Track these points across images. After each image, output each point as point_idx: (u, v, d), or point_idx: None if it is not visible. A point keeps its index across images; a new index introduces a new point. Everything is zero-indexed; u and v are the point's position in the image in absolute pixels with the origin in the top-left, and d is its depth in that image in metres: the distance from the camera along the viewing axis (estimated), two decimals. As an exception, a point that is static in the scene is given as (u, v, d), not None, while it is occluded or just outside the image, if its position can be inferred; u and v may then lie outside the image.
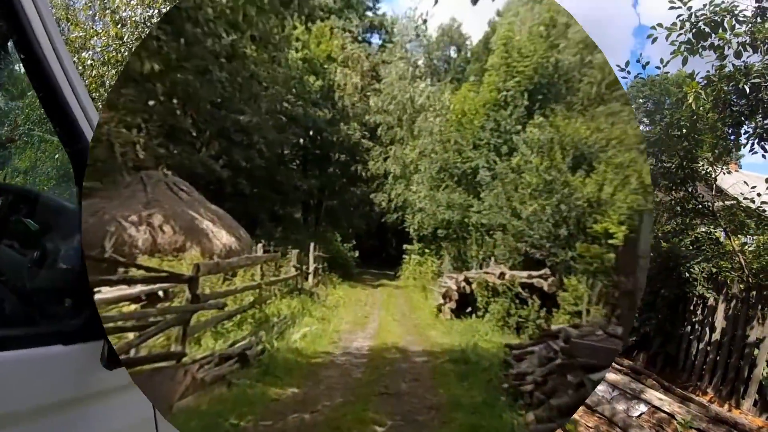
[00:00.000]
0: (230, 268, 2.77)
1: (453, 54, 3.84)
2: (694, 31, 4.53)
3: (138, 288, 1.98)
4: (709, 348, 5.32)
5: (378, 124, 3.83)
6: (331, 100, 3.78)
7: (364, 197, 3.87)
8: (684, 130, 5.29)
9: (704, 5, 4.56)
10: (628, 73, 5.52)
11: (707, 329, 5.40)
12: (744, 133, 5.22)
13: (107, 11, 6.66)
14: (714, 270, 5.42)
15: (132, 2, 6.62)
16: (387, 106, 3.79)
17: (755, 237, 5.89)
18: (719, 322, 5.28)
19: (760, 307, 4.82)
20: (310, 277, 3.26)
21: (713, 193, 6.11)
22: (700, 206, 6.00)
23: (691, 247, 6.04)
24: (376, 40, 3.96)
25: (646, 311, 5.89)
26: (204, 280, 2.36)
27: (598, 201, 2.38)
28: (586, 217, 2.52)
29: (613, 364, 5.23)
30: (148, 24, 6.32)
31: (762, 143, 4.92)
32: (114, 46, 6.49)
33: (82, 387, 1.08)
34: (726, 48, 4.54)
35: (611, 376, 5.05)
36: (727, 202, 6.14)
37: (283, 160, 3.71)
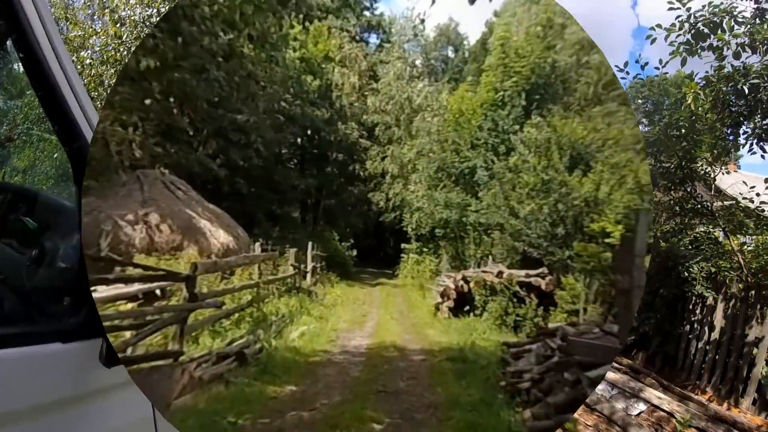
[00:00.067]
0: (228, 266, 2.77)
1: (450, 54, 3.86)
2: (693, 32, 4.55)
3: (135, 286, 1.98)
4: (708, 347, 5.33)
5: (376, 123, 3.83)
6: (328, 99, 3.78)
7: (361, 196, 3.87)
8: (683, 131, 5.30)
9: (703, 6, 4.59)
10: (627, 73, 5.55)
11: (706, 328, 5.40)
12: (743, 134, 5.25)
13: (106, 10, 6.63)
14: (713, 269, 5.43)
15: (131, 1, 6.59)
16: (385, 106, 3.80)
17: (754, 237, 5.92)
18: (718, 321, 5.29)
19: (759, 306, 4.85)
20: (308, 275, 3.25)
21: (712, 193, 6.13)
22: (699, 206, 6.02)
23: (690, 247, 6.06)
24: (373, 39, 3.96)
25: (645, 311, 5.90)
26: (202, 278, 2.36)
27: (595, 200, 2.40)
28: (583, 216, 2.54)
29: (613, 363, 5.24)
30: (147, 23, 6.30)
31: (761, 143, 4.94)
32: (113, 45, 6.46)
33: (81, 385, 1.08)
34: (725, 49, 4.56)
35: (610, 374, 5.06)
36: (726, 202, 6.17)
37: (281, 160, 3.71)
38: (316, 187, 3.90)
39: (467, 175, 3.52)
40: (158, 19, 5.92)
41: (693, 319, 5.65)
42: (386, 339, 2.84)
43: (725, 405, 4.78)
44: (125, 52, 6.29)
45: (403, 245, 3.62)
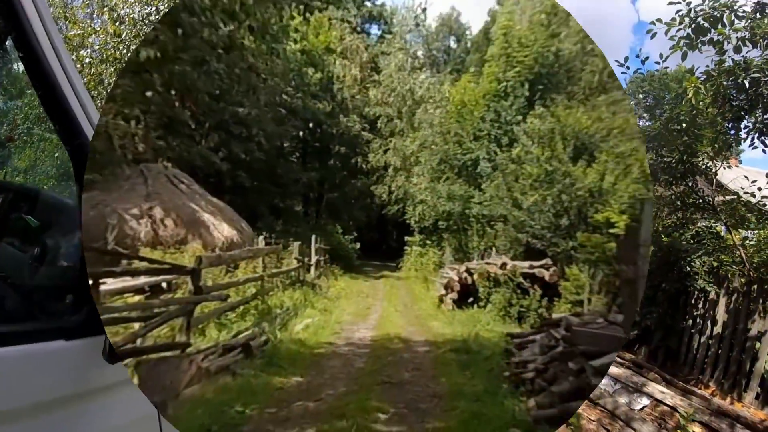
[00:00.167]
0: (232, 260, 2.78)
1: (453, 44, 3.81)
2: (693, 26, 4.52)
3: (142, 279, 1.99)
4: (710, 341, 5.33)
5: (378, 116, 3.81)
6: (330, 92, 3.76)
7: (364, 189, 3.87)
8: (684, 125, 5.29)
9: (703, 0, 4.55)
10: (628, 68, 5.53)
11: (708, 323, 5.40)
12: (744, 128, 5.25)
13: (105, 9, 6.59)
14: (715, 264, 5.44)
15: (130, 0, 6.55)
16: (386, 98, 3.77)
17: (756, 231, 5.91)
18: (720, 315, 5.29)
19: (761, 300, 4.84)
20: (312, 269, 3.27)
21: (713, 187, 6.11)
22: (701, 201, 6.02)
23: (691, 241, 6.05)
24: (375, 30, 3.92)
25: (648, 305, 5.89)
26: (206, 272, 2.37)
27: (600, 191, 2.38)
28: (587, 206, 2.53)
29: (615, 357, 5.26)
30: (147, 21, 6.26)
31: (762, 138, 4.93)
32: (112, 43, 6.44)
33: (85, 382, 1.09)
34: (725, 43, 4.56)
35: (613, 369, 5.07)
36: (727, 197, 6.15)
37: (283, 153, 3.70)
38: (319, 180, 3.89)
39: (470, 166, 3.51)
40: (160, 15, 5.89)
41: (695, 313, 5.65)
42: (390, 331, 2.86)
43: (728, 399, 4.80)
44: (125, 51, 6.27)
45: (406, 238, 3.62)
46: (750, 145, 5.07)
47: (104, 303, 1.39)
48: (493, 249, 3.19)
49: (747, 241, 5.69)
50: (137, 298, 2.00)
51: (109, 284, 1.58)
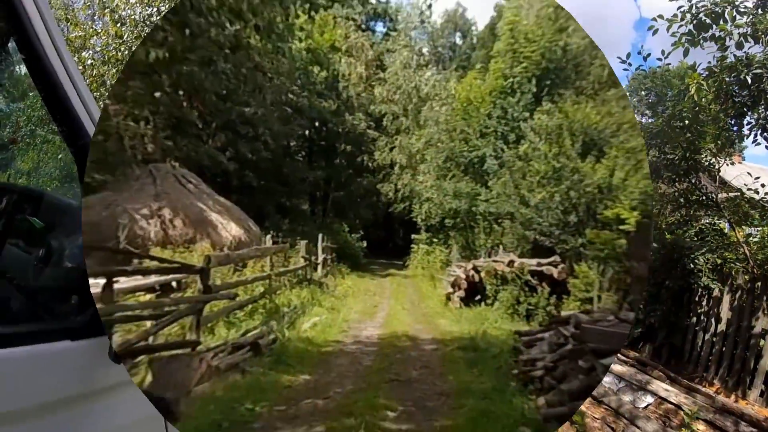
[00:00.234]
0: (240, 259, 2.80)
1: (458, 41, 3.78)
2: (695, 22, 4.50)
3: (152, 278, 2.02)
4: (714, 339, 5.33)
5: (383, 114, 3.80)
6: (335, 90, 3.76)
7: (370, 188, 3.86)
8: (686, 122, 5.27)
9: (705, -4, 4.49)
10: (629, 65, 5.50)
11: (712, 320, 5.40)
12: (746, 124, 5.24)
13: (106, 10, 6.61)
14: (719, 261, 5.41)
15: (131, 1, 6.58)
16: (392, 96, 3.76)
17: (759, 228, 5.87)
18: (724, 313, 5.28)
19: (765, 297, 4.80)
20: (319, 267, 3.28)
21: (717, 184, 6.07)
22: (704, 198, 5.98)
23: (695, 239, 6.03)
24: (380, 28, 3.90)
25: (651, 303, 5.89)
26: (215, 271, 2.40)
27: (609, 187, 2.35)
28: (596, 203, 2.50)
29: (619, 355, 5.27)
30: (148, 22, 6.28)
31: (765, 134, 4.89)
32: (114, 45, 6.47)
33: (90, 382, 1.10)
34: (727, 39, 4.55)
35: (617, 367, 5.07)
36: (730, 194, 6.10)
37: (289, 152, 3.71)
38: (325, 179, 3.90)
39: (476, 164, 3.49)
40: (167, 11, 5.90)
41: (699, 311, 5.65)
42: (398, 329, 2.86)
43: (732, 397, 4.78)
44: (126, 52, 6.30)
45: (412, 236, 3.62)
46: (753, 142, 5.09)
47: (117, 301, 1.41)
48: (501, 247, 3.17)
49: (751, 238, 5.69)
50: (148, 296, 2.03)
51: (122, 282, 1.60)
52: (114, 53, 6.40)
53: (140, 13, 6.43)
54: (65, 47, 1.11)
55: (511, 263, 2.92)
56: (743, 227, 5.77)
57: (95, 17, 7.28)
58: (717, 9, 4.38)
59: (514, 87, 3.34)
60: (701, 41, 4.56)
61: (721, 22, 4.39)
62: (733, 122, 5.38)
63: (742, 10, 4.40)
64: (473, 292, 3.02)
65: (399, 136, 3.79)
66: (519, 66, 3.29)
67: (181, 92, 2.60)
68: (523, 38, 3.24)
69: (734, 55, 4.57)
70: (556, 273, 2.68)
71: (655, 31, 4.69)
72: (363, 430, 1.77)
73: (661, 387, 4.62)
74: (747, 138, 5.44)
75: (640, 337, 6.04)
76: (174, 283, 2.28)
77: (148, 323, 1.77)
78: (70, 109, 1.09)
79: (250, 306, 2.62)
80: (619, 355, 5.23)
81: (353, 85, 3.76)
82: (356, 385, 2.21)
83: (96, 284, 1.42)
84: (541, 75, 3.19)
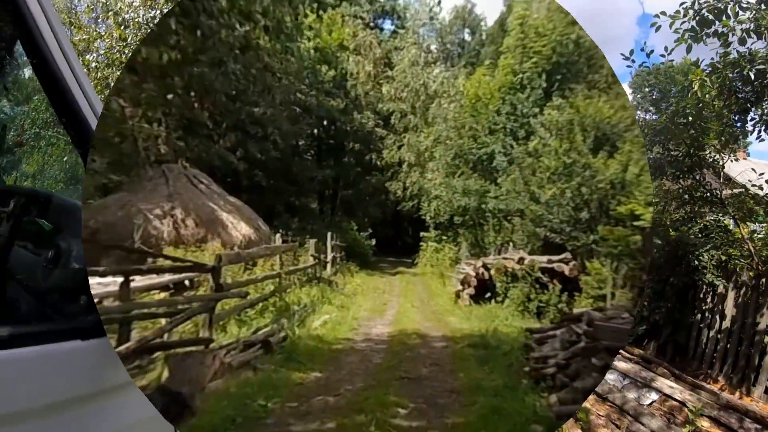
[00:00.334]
0: (250, 258, 2.83)
1: (467, 37, 3.76)
2: (697, 18, 4.44)
3: (166, 277, 2.06)
4: (719, 336, 5.27)
5: (391, 112, 3.80)
6: (343, 89, 3.76)
7: (379, 186, 3.87)
8: (690, 118, 5.24)
9: (707, -8, 4.42)
10: (633, 62, 5.40)
11: (717, 317, 5.34)
12: (750, 120, 5.17)
13: (110, 13, 6.69)
14: (723, 258, 5.36)
15: (134, 3, 6.64)
16: (400, 94, 3.75)
17: (764, 224, 5.78)
18: (729, 309, 5.21)
19: (769, 294, 4.72)
20: (329, 266, 3.30)
21: (721, 180, 5.99)
22: (708, 194, 5.92)
23: (699, 235, 5.98)
24: (388, 26, 3.89)
25: (656, 300, 5.87)
26: (226, 269, 2.42)
27: (623, 182, 2.31)
28: (608, 199, 2.46)
29: (623, 353, 5.24)
30: (151, 25, 6.33)
31: None
32: (118, 47, 6.53)
33: (100, 380, 1.12)
34: (730, 35, 4.49)
35: (622, 365, 5.05)
36: (735, 190, 6.01)
37: (298, 151, 3.73)
38: (334, 177, 3.91)
39: (485, 161, 3.46)
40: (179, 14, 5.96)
41: (704, 307, 5.58)
42: (407, 327, 2.86)
43: (737, 394, 4.71)
44: (130, 54, 6.35)
45: (421, 234, 3.61)
46: (757, 138, 5.05)
47: (134, 299, 1.44)
48: (510, 244, 3.15)
49: (755, 235, 5.60)
50: (162, 294, 2.07)
51: (138, 281, 1.63)
52: (118, 56, 6.46)
53: (143, 15, 6.48)
54: (72, 51, 1.13)
55: (521, 260, 2.90)
56: (748, 224, 5.67)
57: (99, 20, 7.39)
58: (719, 5, 4.34)
59: (524, 83, 3.30)
60: (704, 37, 4.51)
61: (724, 18, 4.33)
62: (736, 118, 5.35)
63: (745, 5, 4.35)
64: (483, 290, 3.00)
65: (407, 133, 3.78)
66: (529, 61, 3.25)
67: (192, 94, 2.63)
68: (534, 33, 3.20)
69: (737, 51, 4.54)
70: (568, 270, 2.65)
71: (658, 28, 4.67)
72: (374, 427, 1.77)
73: (666, 384, 4.57)
74: (751, 134, 5.43)
75: (645, 334, 5.99)
76: (187, 282, 2.32)
77: (163, 321, 1.80)
78: (77, 112, 1.11)
79: (260, 304, 2.64)
80: (623, 352, 5.21)
81: (361, 83, 3.76)
82: (367, 382, 2.21)
83: (113, 282, 1.46)
84: (552, 70, 3.15)
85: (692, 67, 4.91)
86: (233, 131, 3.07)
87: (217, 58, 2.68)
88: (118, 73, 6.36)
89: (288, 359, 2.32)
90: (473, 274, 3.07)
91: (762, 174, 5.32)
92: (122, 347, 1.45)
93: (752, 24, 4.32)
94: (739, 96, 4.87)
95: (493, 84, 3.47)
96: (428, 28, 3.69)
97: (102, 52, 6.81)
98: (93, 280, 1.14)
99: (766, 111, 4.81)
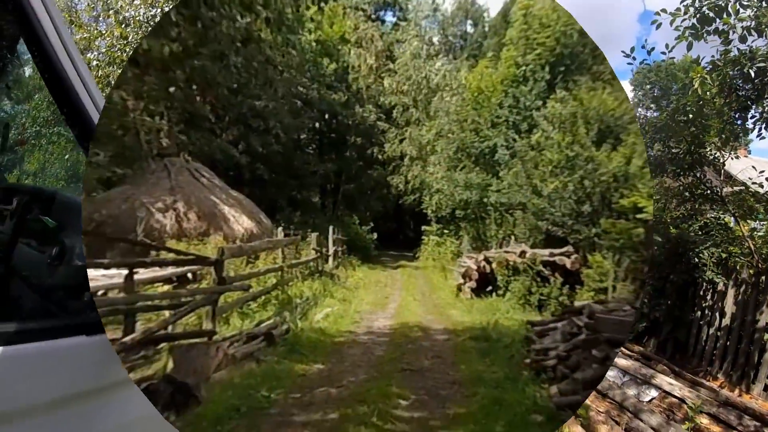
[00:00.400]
0: (253, 251, 2.84)
1: (470, 29, 3.72)
2: (698, 16, 4.42)
3: (169, 270, 2.07)
4: (719, 333, 5.30)
5: (393, 105, 3.78)
6: (345, 82, 3.74)
7: (380, 180, 3.86)
8: (690, 116, 5.24)
9: (708, -10, 4.38)
10: (634, 59, 5.39)
11: (717, 314, 5.36)
12: (751, 118, 5.17)
13: (111, 12, 6.65)
14: (723, 255, 5.38)
15: (135, 2, 6.60)
16: (402, 87, 3.73)
17: (764, 222, 5.79)
18: (729, 307, 5.23)
19: (769, 292, 4.72)
20: (330, 259, 3.31)
21: (722, 178, 5.98)
22: (709, 192, 5.93)
23: (700, 233, 5.99)
24: (390, 17, 3.86)
25: (656, 297, 5.90)
26: (228, 263, 2.44)
27: (626, 175, 2.30)
28: (611, 192, 2.45)
29: (624, 350, 5.28)
30: (152, 23, 6.30)
31: None
32: (119, 46, 6.51)
33: (106, 375, 1.14)
34: (731, 33, 4.49)
35: (622, 361, 5.09)
36: (735, 188, 6.00)
37: (300, 145, 3.72)
38: (335, 171, 3.91)
39: (487, 154, 3.45)
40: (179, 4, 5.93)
41: (704, 305, 5.60)
42: (409, 320, 2.87)
43: (736, 391, 4.75)
44: (131, 53, 6.32)
45: (423, 227, 3.62)
46: (758, 136, 5.03)
47: (138, 291, 1.46)
48: (512, 237, 3.15)
49: (755, 232, 5.60)
50: (166, 287, 2.09)
51: (141, 274, 1.65)
52: (119, 54, 6.44)
53: (144, 13, 6.45)
54: (75, 48, 1.13)
55: (522, 254, 2.90)
56: (748, 221, 5.69)
57: (99, 19, 7.34)
58: (720, 2, 4.33)
59: (527, 75, 3.28)
60: (705, 35, 4.51)
61: (725, 16, 4.32)
62: (737, 116, 5.34)
63: (746, 3, 4.34)
64: (484, 283, 3.01)
65: (409, 127, 3.76)
66: (532, 53, 3.21)
67: (194, 87, 2.63)
68: (538, 23, 3.16)
69: (738, 49, 4.55)
70: (569, 263, 2.65)
71: (659, 25, 4.67)
72: (376, 417, 1.80)
73: (665, 381, 4.61)
74: (751, 132, 5.44)
75: (645, 331, 6.03)
76: (190, 275, 2.34)
77: (167, 313, 1.82)
78: (81, 109, 1.11)
79: (263, 297, 2.66)
80: (623, 349, 5.25)
81: (363, 76, 3.74)
82: (369, 374, 2.23)
83: (118, 275, 1.47)
84: (555, 61, 3.11)
85: (693, 64, 4.91)
86: (235, 125, 3.07)
87: (218, 50, 2.67)
88: (120, 71, 6.35)
89: (291, 351, 2.34)
90: (475, 267, 3.07)
91: (762, 171, 5.34)
92: (128, 338, 1.47)
93: (753, 22, 4.33)
94: (740, 94, 4.88)
95: (496, 76, 3.44)
96: (430, 19, 3.66)
97: (103, 50, 6.78)
98: (98, 272, 1.15)
99: (766, 109, 4.82)
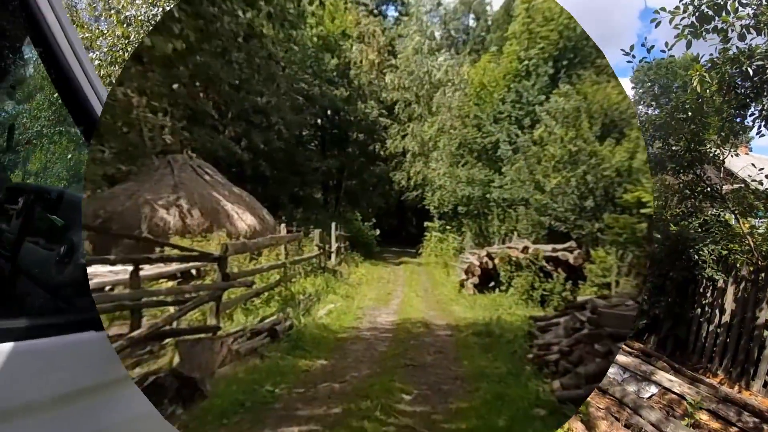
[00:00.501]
0: (256, 247, 2.86)
1: (472, 23, 3.69)
2: (697, 14, 4.41)
3: (174, 266, 2.09)
4: (718, 330, 5.32)
5: (395, 101, 3.76)
6: (347, 77, 3.73)
7: (383, 176, 3.86)
8: (690, 113, 5.25)
9: (707, -12, 4.36)
10: (633, 57, 5.36)
11: (717, 311, 5.39)
12: (750, 116, 5.19)
13: (112, 11, 6.64)
14: (723, 252, 5.41)
15: (136, 1, 6.58)
16: (404, 83, 3.71)
17: (764, 219, 5.78)
18: (729, 304, 5.25)
19: (768, 289, 4.72)
20: (333, 256, 3.32)
21: (722, 175, 5.97)
22: (709, 189, 5.92)
23: (699, 230, 6.02)
24: (392, 12, 3.83)
25: (656, 294, 5.92)
26: (231, 259, 2.45)
27: (629, 169, 2.29)
28: (614, 187, 2.44)
29: (624, 347, 5.30)
30: (153, 22, 6.29)
31: None
32: (120, 45, 6.50)
33: (113, 370, 1.15)
34: (730, 31, 4.50)
35: (622, 358, 5.10)
36: (735, 185, 6.00)
37: (302, 142, 3.72)
38: (338, 168, 3.90)
39: (490, 150, 3.44)
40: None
41: (704, 302, 5.63)
42: (412, 316, 2.88)
43: (736, 387, 4.78)
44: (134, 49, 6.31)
45: (425, 223, 3.62)
46: (757, 133, 5.08)
47: (143, 287, 1.47)
48: (515, 233, 3.15)
49: (755, 230, 5.64)
50: (170, 283, 2.11)
51: (146, 270, 1.66)
52: (121, 54, 6.44)
53: (145, 12, 6.43)
54: (81, 46, 1.14)
55: (525, 249, 2.90)
56: (748, 218, 5.72)
57: (101, 18, 7.34)
58: (719, 1, 4.33)
59: (530, 69, 3.25)
60: (704, 33, 4.51)
61: (724, 14, 4.33)
62: (736, 113, 5.34)
63: (745, 1, 4.33)
64: (487, 279, 3.01)
65: (411, 123, 3.75)
66: (536, 47, 3.19)
67: (197, 83, 2.63)
68: (541, 17, 3.12)
69: (737, 47, 4.56)
70: (572, 258, 2.65)
71: (658, 24, 4.66)
72: (379, 412, 1.81)
73: (665, 377, 4.62)
74: (750, 130, 5.44)
75: (645, 328, 6.04)
76: (194, 271, 2.35)
77: (172, 308, 1.84)
78: (87, 108, 1.12)
79: (266, 293, 2.67)
80: (624, 346, 5.27)
81: (365, 72, 3.72)
82: (372, 369, 2.24)
83: (124, 270, 1.49)
84: (559, 55, 3.08)
85: (692, 62, 4.91)
86: (237, 121, 3.07)
87: (221, 46, 2.67)
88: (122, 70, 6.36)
89: (294, 347, 2.36)
90: (477, 263, 3.08)
91: (762, 169, 5.37)
92: (135, 333, 1.49)
93: (752, 20, 4.37)
94: (739, 92, 4.91)
95: (499, 71, 3.42)
96: (432, 14, 3.63)
97: (105, 50, 6.78)
98: (104, 268, 1.16)
99: (765, 106, 4.88)
